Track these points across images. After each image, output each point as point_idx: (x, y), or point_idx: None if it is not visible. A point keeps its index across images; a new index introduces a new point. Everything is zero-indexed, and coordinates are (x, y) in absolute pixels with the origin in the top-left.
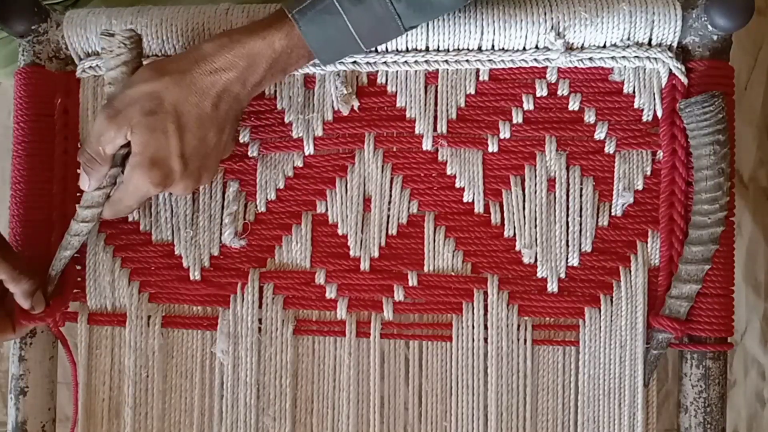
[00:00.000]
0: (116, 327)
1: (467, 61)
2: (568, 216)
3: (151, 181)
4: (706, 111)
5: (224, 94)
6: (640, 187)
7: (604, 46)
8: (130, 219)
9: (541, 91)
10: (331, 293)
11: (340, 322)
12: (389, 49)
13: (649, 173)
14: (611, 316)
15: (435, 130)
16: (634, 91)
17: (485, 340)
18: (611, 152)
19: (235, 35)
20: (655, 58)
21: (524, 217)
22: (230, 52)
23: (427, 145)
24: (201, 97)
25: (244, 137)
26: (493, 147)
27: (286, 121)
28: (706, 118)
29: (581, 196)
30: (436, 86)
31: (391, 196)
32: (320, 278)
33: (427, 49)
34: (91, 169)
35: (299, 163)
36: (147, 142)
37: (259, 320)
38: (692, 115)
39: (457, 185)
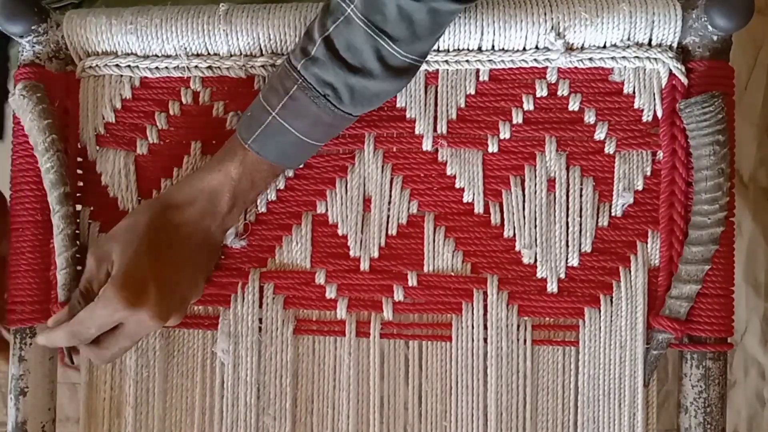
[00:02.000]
0: None
1: (467, 61)
2: (567, 216)
3: (123, 296)
4: (706, 111)
5: (192, 227)
6: (640, 188)
7: (604, 47)
8: None
9: (541, 91)
10: (331, 293)
11: (340, 322)
12: None
13: (649, 173)
14: (611, 317)
15: (435, 130)
16: (634, 92)
17: (485, 340)
18: (611, 152)
19: (195, 173)
20: (655, 59)
21: (524, 217)
22: (190, 188)
23: (427, 145)
24: (171, 231)
25: None
26: (493, 147)
27: None
28: (706, 119)
29: (581, 196)
30: (436, 86)
31: (391, 196)
32: (320, 278)
33: None
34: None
35: None
36: (121, 263)
37: (260, 320)
38: (692, 115)
39: (457, 185)
